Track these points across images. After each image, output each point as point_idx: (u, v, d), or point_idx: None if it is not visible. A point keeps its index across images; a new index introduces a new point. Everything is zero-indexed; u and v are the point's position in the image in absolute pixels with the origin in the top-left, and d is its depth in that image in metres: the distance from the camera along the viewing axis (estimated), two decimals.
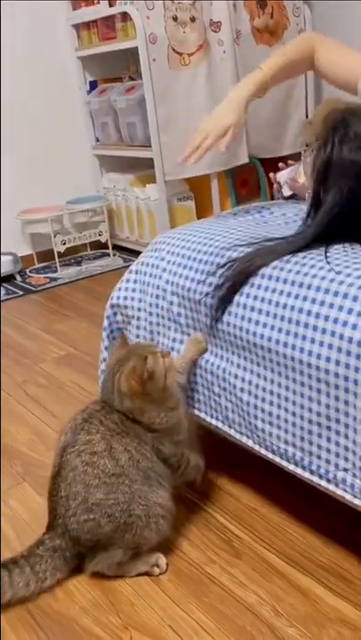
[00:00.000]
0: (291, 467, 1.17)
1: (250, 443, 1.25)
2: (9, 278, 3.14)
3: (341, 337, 1.02)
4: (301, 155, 1.48)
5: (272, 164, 2.18)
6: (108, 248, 3.32)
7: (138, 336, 1.45)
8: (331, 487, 1.10)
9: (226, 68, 2.92)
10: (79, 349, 2.24)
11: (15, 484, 1.52)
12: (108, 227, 3.28)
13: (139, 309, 1.46)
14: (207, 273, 1.29)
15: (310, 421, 1.10)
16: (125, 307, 1.47)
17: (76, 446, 1.15)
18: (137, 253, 2.97)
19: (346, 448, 1.06)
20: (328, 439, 1.08)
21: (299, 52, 1.54)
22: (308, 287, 1.10)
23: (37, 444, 1.67)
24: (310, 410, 1.10)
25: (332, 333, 1.04)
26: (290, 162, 1.69)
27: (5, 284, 3.08)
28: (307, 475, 1.14)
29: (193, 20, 2.80)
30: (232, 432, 1.29)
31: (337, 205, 1.11)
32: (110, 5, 2.94)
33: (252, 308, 1.18)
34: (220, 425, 1.32)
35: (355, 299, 1.03)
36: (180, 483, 1.27)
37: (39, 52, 3.14)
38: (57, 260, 3.15)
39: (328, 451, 1.09)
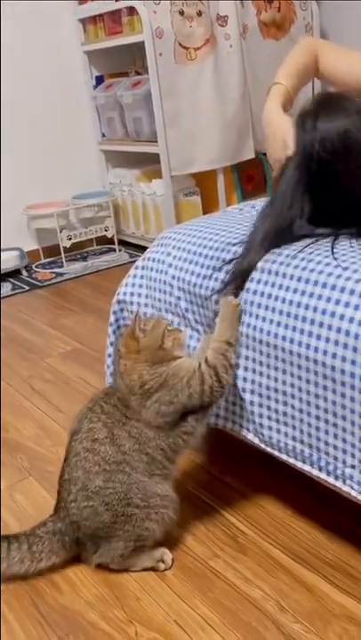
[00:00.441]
0: (298, 464, 1.17)
1: (256, 440, 1.25)
2: (15, 273, 3.14)
3: (348, 333, 1.02)
4: None
5: None
6: (113, 243, 3.32)
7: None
8: (338, 484, 1.10)
9: (232, 63, 2.91)
10: (85, 344, 2.25)
11: (21, 478, 1.52)
12: (114, 222, 3.28)
13: (145, 305, 1.46)
14: (213, 268, 1.28)
15: (317, 418, 1.10)
16: (132, 302, 1.47)
17: (80, 434, 1.16)
18: (143, 249, 2.96)
19: (352, 445, 1.06)
20: (335, 436, 1.08)
21: (305, 56, 1.49)
22: (315, 283, 1.09)
23: (43, 439, 1.68)
24: (317, 407, 1.09)
25: (338, 330, 1.03)
26: None
27: (11, 280, 3.09)
28: (314, 471, 1.14)
29: (200, 14, 2.79)
30: (236, 429, 1.29)
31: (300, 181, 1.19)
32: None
33: (259, 305, 1.17)
34: (224, 423, 1.32)
35: (352, 292, 1.02)
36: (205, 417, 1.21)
37: (45, 47, 3.14)
38: (63, 255, 3.15)
39: (335, 447, 1.09)
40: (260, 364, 1.18)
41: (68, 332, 2.37)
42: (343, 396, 1.04)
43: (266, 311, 1.16)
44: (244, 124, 3.01)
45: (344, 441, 1.07)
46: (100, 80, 3.33)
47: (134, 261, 1.51)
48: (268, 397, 1.18)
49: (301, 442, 1.14)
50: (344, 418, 1.06)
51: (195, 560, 1.22)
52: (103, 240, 3.38)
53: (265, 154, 3.16)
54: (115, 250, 3.32)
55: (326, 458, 1.11)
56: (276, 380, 1.16)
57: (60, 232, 3.11)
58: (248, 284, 1.20)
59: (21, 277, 3.12)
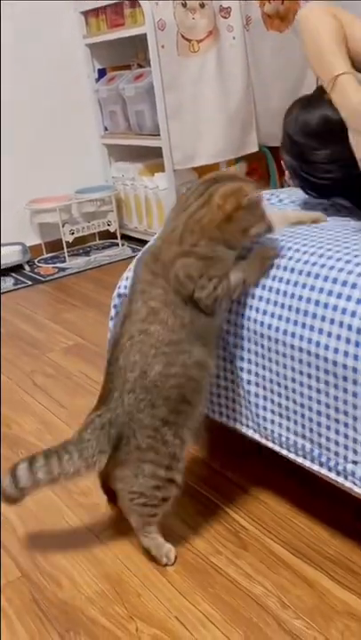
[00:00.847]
0: (299, 459, 1.16)
1: (257, 436, 1.24)
2: (17, 268, 3.13)
3: (350, 328, 1.01)
4: None
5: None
6: (116, 238, 3.31)
7: None
8: (339, 480, 1.09)
9: (236, 55, 2.88)
10: (87, 339, 2.24)
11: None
12: (117, 216, 3.26)
13: None
14: None
15: (319, 413, 1.09)
16: None
17: (130, 317, 1.12)
18: (145, 243, 2.95)
19: (355, 440, 1.04)
20: (336, 431, 1.07)
21: (335, 28, 1.27)
22: (316, 276, 1.08)
23: (44, 434, 1.67)
24: (318, 402, 1.08)
25: (340, 324, 1.02)
26: None
27: (14, 274, 3.08)
28: (315, 467, 1.13)
29: (202, 5, 2.76)
30: (237, 425, 1.28)
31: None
32: None
33: (260, 298, 1.16)
34: (226, 420, 1.31)
35: (354, 286, 1.01)
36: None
37: (47, 41, 3.12)
38: (65, 249, 3.14)
39: (336, 443, 1.08)
40: (263, 357, 1.17)
41: (70, 327, 2.37)
42: (345, 391, 1.03)
43: (267, 304, 1.15)
44: (247, 117, 2.98)
45: (346, 436, 1.06)
46: (102, 73, 3.31)
47: (136, 256, 1.50)
48: (271, 391, 1.17)
49: (303, 437, 1.13)
50: (346, 413, 1.04)
51: (196, 556, 1.21)
52: (106, 234, 3.36)
53: (268, 147, 3.15)
54: (117, 244, 3.31)
55: (328, 453, 1.10)
56: (277, 374, 1.15)
57: (63, 226, 3.09)
58: None
59: (24, 272, 3.11)
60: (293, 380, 1.12)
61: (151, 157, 3.15)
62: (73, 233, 3.15)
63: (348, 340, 1.01)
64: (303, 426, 1.13)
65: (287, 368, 1.12)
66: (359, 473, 1.05)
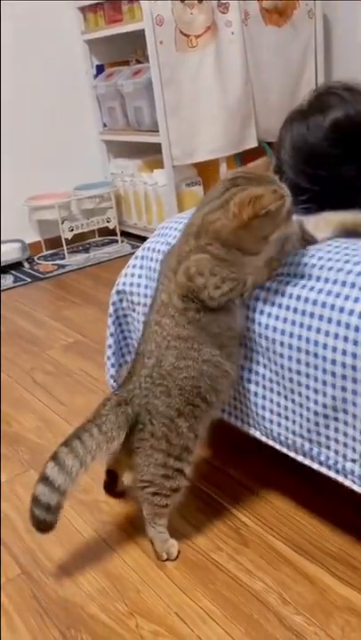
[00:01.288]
0: (299, 457, 1.16)
1: (257, 434, 1.24)
2: (17, 265, 3.13)
3: (348, 326, 1.00)
4: None
5: None
6: (116, 234, 3.30)
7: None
8: (339, 478, 1.09)
9: (234, 50, 2.87)
10: (87, 336, 2.23)
11: (22, 471, 1.52)
12: (116, 213, 3.26)
13: (145, 295, 1.44)
14: None
15: (316, 413, 1.08)
16: (131, 293, 1.46)
17: (154, 306, 1.14)
18: (145, 240, 2.95)
19: (353, 438, 1.04)
20: (335, 430, 1.07)
21: None
22: (314, 277, 1.07)
23: (44, 432, 1.67)
24: (316, 401, 1.08)
25: (338, 323, 1.02)
26: None
27: (13, 272, 3.08)
28: (315, 465, 1.13)
29: (200, 0, 2.75)
30: (238, 424, 1.28)
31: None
32: None
33: (257, 298, 1.16)
34: (228, 417, 1.30)
35: (353, 286, 1.00)
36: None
37: (45, 37, 3.10)
38: (65, 246, 3.14)
39: (336, 441, 1.07)
40: (262, 356, 1.17)
41: (70, 324, 2.36)
42: (344, 389, 1.02)
43: (265, 305, 1.14)
44: (246, 113, 2.97)
45: (345, 435, 1.05)
46: (100, 69, 3.30)
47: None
48: (270, 390, 1.17)
49: (301, 436, 1.13)
50: (345, 411, 1.04)
51: (196, 552, 1.21)
52: (105, 231, 3.36)
53: (268, 142, 3.14)
54: (117, 241, 3.30)
55: (327, 452, 1.09)
56: (276, 373, 1.15)
57: (62, 223, 3.09)
58: None
59: (23, 269, 3.11)
60: (291, 380, 1.11)
61: (150, 153, 3.14)
62: (72, 230, 3.14)
63: (346, 339, 1.01)
64: (301, 425, 1.12)
65: (284, 368, 1.12)
66: (358, 471, 1.05)
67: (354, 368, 1.00)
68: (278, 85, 3.06)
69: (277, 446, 1.20)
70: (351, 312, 1.00)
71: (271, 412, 1.18)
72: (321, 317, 1.04)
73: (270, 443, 1.21)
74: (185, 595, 1.12)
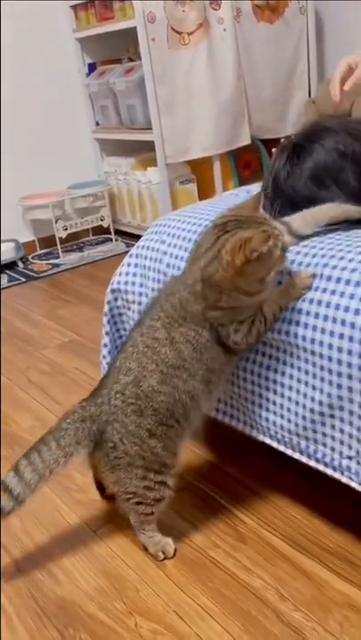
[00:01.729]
0: (296, 455, 1.16)
1: (253, 432, 1.24)
2: (11, 265, 3.12)
3: (343, 323, 1.00)
4: None
5: (275, 145, 2.14)
6: (110, 233, 3.30)
7: None
8: (336, 475, 1.09)
9: (226, 47, 2.87)
10: (82, 335, 2.23)
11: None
12: (110, 211, 3.25)
13: (140, 294, 1.44)
14: None
15: (312, 410, 1.08)
16: (126, 291, 1.45)
17: (141, 327, 1.13)
18: (139, 238, 2.94)
19: (350, 435, 1.04)
20: (332, 427, 1.07)
21: None
22: (320, 277, 1.07)
23: (40, 431, 1.64)
24: (313, 399, 1.08)
25: (334, 320, 1.02)
26: None
27: (8, 271, 3.07)
28: (312, 463, 1.13)
29: None
30: (233, 422, 1.28)
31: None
32: None
33: None
34: (222, 417, 1.30)
35: (357, 284, 1.00)
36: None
37: (37, 34, 3.09)
38: (59, 246, 3.13)
39: (333, 438, 1.07)
40: (261, 355, 1.17)
41: (65, 324, 2.36)
42: (340, 387, 1.02)
43: None
44: (239, 110, 2.97)
45: (341, 432, 1.05)
46: (92, 67, 3.29)
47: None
48: (267, 389, 1.17)
49: (298, 434, 1.13)
50: (341, 408, 1.04)
51: (194, 550, 1.21)
52: (99, 230, 3.35)
53: (261, 139, 3.14)
54: (111, 240, 3.30)
55: (323, 449, 1.09)
56: (275, 371, 1.15)
57: (56, 222, 3.08)
58: None
59: (17, 269, 3.10)
60: (291, 377, 1.12)
61: (143, 151, 3.14)
62: (66, 229, 3.13)
63: (341, 336, 1.01)
64: (297, 424, 1.12)
65: (279, 362, 1.12)
66: (355, 467, 1.05)
67: (350, 365, 1.00)
68: (271, 82, 3.06)
69: (274, 444, 1.20)
70: (347, 309, 1.01)
71: (267, 410, 1.18)
72: (316, 315, 1.05)
73: (267, 440, 1.21)
74: (183, 592, 1.12)
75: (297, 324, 1.07)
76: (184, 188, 3.06)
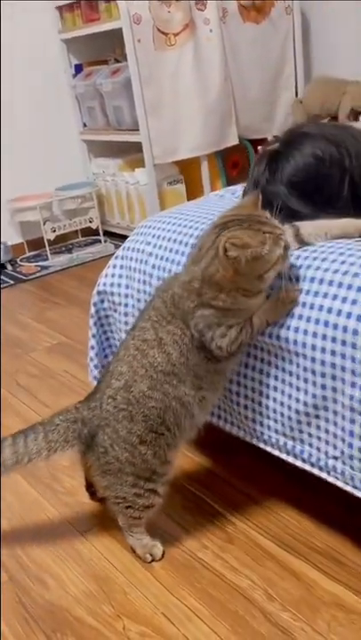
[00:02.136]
0: (282, 455, 1.16)
1: (240, 434, 1.24)
2: None
3: (327, 324, 1.01)
4: None
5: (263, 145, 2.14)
6: (98, 234, 3.29)
7: (126, 323, 1.43)
8: (323, 475, 1.09)
9: (213, 47, 2.87)
10: (71, 338, 2.22)
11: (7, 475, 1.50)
12: (99, 213, 3.24)
13: (126, 295, 1.43)
14: None
15: (297, 411, 1.09)
16: (112, 293, 1.45)
17: (135, 330, 1.14)
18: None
19: (335, 435, 1.04)
20: (317, 427, 1.07)
21: None
22: (303, 279, 1.07)
23: None
24: (297, 400, 1.08)
25: (317, 321, 1.02)
26: None
27: None
28: (298, 463, 1.13)
29: None
30: (220, 423, 1.28)
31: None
32: None
33: None
34: (208, 417, 1.30)
35: (349, 287, 1.00)
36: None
37: (22, 36, 3.08)
38: (47, 247, 3.12)
39: (318, 439, 1.08)
40: (246, 356, 1.17)
41: (54, 326, 2.35)
42: (324, 387, 1.03)
43: None
44: (226, 110, 2.97)
45: (326, 432, 1.06)
46: (78, 69, 3.28)
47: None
48: (252, 390, 1.17)
49: (284, 435, 1.13)
50: (326, 409, 1.04)
51: (182, 551, 1.21)
52: (88, 231, 3.34)
53: (249, 139, 3.15)
54: (100, 241, 3.29)
55: (310, 450, 1.10)
56: (260, 372, 1.15)
57: (44, 224, 3.07)
58: None
59: (6, 271, 3.08)
60: (276, 378, 1.12)
61: (131, 152, 3.13)
62: (55, 231, 3.12)
63: (324, 337, 1.01)
64: (283, 424, 1.13)
65: (265, 363, 1.12)
66: (341, 467, 1.05)
67: (333, 365, 1.00)
68: (258, 82, 3.06)
69: (261, 445, 1.20)
70: (330, 310, 1.01)
71: (253, 410, 1.18)
72: (300, 317, 1.05)
73: (254, 442, 1.21)
74: (171, 594, 1.11)
75: (281, 326, 1.08)
76: (172, 188, 3.06)
